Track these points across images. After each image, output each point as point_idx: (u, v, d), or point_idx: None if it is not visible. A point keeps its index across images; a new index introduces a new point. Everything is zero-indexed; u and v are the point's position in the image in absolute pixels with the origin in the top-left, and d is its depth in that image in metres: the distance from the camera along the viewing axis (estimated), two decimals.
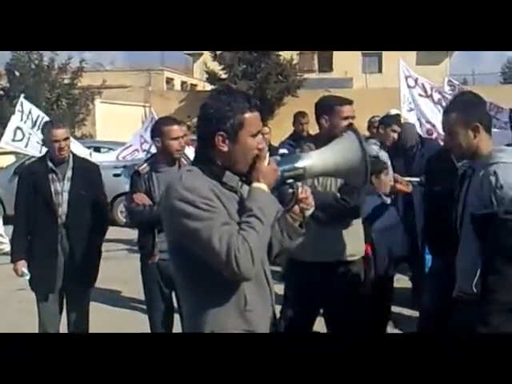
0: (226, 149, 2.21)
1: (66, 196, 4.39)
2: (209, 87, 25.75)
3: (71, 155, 4.50)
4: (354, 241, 3.78)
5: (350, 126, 3.28)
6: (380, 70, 32.61)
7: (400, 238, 4.28)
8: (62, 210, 4.38)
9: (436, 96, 8.19)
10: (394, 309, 5.91)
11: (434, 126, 7.91)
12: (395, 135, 6.09)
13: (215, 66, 24.68)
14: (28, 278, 4.44)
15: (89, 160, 5.42)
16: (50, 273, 4.36)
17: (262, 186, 2.20)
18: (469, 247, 2.91)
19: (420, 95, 8.24)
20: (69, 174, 4.42)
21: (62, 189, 4.39)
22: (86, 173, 4.52)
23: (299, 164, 2.33)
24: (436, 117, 7.88)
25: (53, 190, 4.38)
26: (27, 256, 4.44)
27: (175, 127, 4.14)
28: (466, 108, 2.98)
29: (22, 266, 4.44)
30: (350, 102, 3.69)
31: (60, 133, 4.37)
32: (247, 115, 2.21)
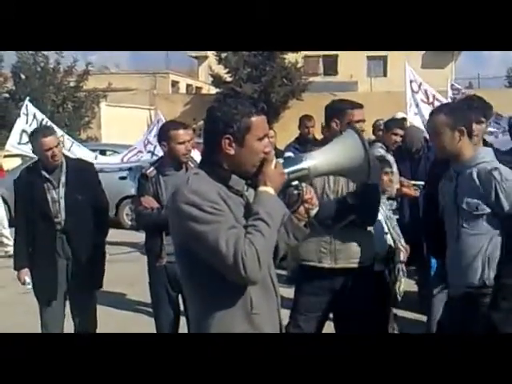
0: (232, 152, 2.22)
1: (62, 202, 4.36)
2: (214, 90, 25.81)
3: (63, 159, 4.44)
4: (370, 246, 3.80)
5: (350, 125, 3.30)
6: (385, 74, 32.57)
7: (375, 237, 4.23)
8: (61, 216, 4.36)
9: (436, 105, 8.20)
10: (399, 312, 5.91)
11: None
12: (397, 138, 6.09)
13: (220, 69, 24.74)
14: (30, 286, 4.46)
15: (82, 160, 5.37)
16: (51, 281, 4.36)
17: (268, 189, 2.20)
18: (468, 244, 3.11)
19: (422, 101, 8.25)
20: (63, 179, 4.38)
21: (58, 196, 4.37)
22: (81, 174, 4.48)
23: (303, 165, 2.33)
24: None
25: (49, 198, 4.35)
26: (30, 264, 4.45)
27: (181, 131, 4.15)
28: (454, 111, 3.21)
29: (25, 274, 4.45)
30: (360, 106, 3.71)
31: (50, 140, 4.30)
32: (254, 119, 2.22)
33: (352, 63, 30.69)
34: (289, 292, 4.04)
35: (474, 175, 3.10)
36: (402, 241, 4.38)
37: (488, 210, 3.08)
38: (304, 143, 7.31)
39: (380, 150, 5.77)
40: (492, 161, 3.17)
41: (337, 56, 32.13)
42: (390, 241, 4.17)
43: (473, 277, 3.10)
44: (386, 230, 4.16)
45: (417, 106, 8.22)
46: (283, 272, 6.30)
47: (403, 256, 4.18)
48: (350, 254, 3.69)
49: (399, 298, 4.66)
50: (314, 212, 2.46)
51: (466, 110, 3.33)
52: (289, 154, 6.74)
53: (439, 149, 3.24)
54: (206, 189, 2.17)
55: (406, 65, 8.49)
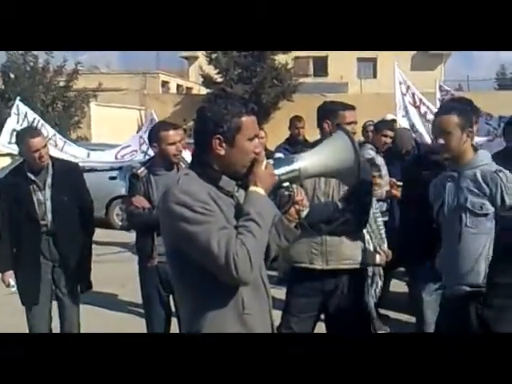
0: (222, 152, 2.21)
1: (49, 204, 4.34)
2: (204, 91, 25.79)
3: (49, 160, 4.39)
4: (361, 248, 3.83)
5: (340, 126, 3.32)
6: (375, 76, 32.67)
7: None
8: (47, 218, 4.34)
9: (423, 109, 8.27)
10: (391, 314, 5.94)
11: (421, 134, 7.98)
12: (387, 140, 6.11)
13: (211, 70, 24.72)
14: (14, 289, 4.44)
15: (67, 161, 5.33)
16: (34, 284, 4.35)
17: (259, 190, 2.20)
18: (471, 243, 3.15)
19: (409, 103, 8.31)
20: (49, 181, 4.35)
21: (44, 198, 4.34)
22: (67, 176, 4.45)
23: (294, 166, 2.33)
24: (421, 128, 7.99)
25: (35, 200, 4.33)
26: (14, 266, 4.42)
27: (171, 132, 4.15)
28: (464, 112, 3.28)
29: (9, 276, 4.43)
30: (352, 108, 3.74)
31: (39, 141, 4.27)
32: (244, 119, 2.22)
33: (342, 64, 30.77)
34: (280, 293, 4.05)
35: (478, 176, 3.19)
36: (385, 244, 4.39)
37: (492, 209, 3.15)
38: (294, 144, 7.32)
39: (370, 152, 5.79)
40: (491, 163, 3.26)
41: (327, 57, 32.18)
42: (367, 242, 4.18)
43: (477, 276, 3.13)
44: None
45: (405, 108, 8.28)
46: (274, 273, 6.31)
47: (379, 259, 4.18)
48: (340, 256, 3.70)
49: (375, 300, 4.70)
50: (304, 213, 2.47)
51: (471, 112, 3.43)
52: (279, 154, 6.76)
53: (447, 148, 3.27)
54: (197, 189, 2.16)
55: (395, 67, 8.53)
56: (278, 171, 2.29)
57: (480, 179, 3.18)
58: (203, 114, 2.25)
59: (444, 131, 3.25)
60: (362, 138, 7.29)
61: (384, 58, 27.62)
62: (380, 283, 4.60)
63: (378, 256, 4.16)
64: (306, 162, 2.35)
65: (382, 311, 5.91)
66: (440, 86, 9.19)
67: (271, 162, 2.32)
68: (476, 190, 3.18)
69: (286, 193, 2.37)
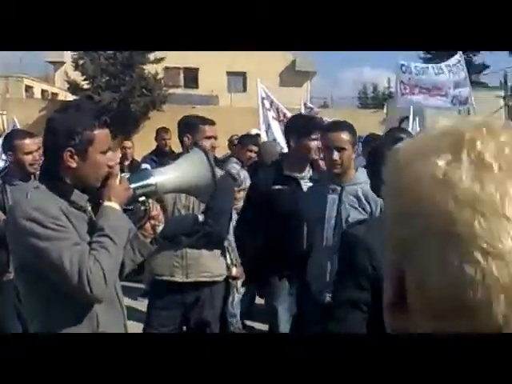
0: (74, 165, 2.15)
1: None
2: (71, 97, 25.04)
3: None
4: (221, 260, 3.87)
5: (196, 144, 3.36)
6: (245, 89, 33.26)
7: None
8: None
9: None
10: (256, 325, 6.01)
11: (283, 149, 8.20)
12: (252, 154, 6.26)
13: (77, 76, 24.08)
14: None
15: None
16: None
17: (113, 204, 2.17)
18: None
19: (273, 118, 8.52)
20: None
21: None
22: None
23: (151, 180, 2.32)
24: (283, 143, 8.22)
25: None
26: None
27: (27, 141, 4.01)
28: (353, 130, 3.42)
29: None
30: (212, 122, 3.79)
31: None
32: (96, 132, 2.17)
33: (212, 77, 31.03)
34: (144, 305, 4.01)
35: (360, 193, 3.30)
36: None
37: None
38: (161, 155, 7.29)
39: (235, 166, 5.89)
40: (368, 181, 3.36)
41: (198, 69, 32.36)
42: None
43: None
44: None
45: (268, 122, 8.47)
46: (140, 285, 6.22)
47: (235, 272, 4.26)
48: (200, 268, 3.74)
49: (232, 312, 4.77)
50: (160, 228, 2.47)
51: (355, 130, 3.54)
52: (145, 165, 6.70)
53: (338, 164, 3.33)
54: (47, 204, 2.09)
55: (258, 83, 8.73)
56: (133, 185, 2.27)
57: (362, 196, 3.31)
58: (53, 125, 2.17)
59: (338, 147, 3.31)
60: (229, 152, 7.41)
61: (253, 73, 28.18)
62: (237, 295, 4.66)
63: (234, 269, 4.22)
64: (163, 177, 2.35)
65: (248, 322, 5.98)
66: (305, 104, 9.54)
67: (126, 175, 2.29)
68: (357, 206, 3.31)
69: (142, 208, 2.36)
